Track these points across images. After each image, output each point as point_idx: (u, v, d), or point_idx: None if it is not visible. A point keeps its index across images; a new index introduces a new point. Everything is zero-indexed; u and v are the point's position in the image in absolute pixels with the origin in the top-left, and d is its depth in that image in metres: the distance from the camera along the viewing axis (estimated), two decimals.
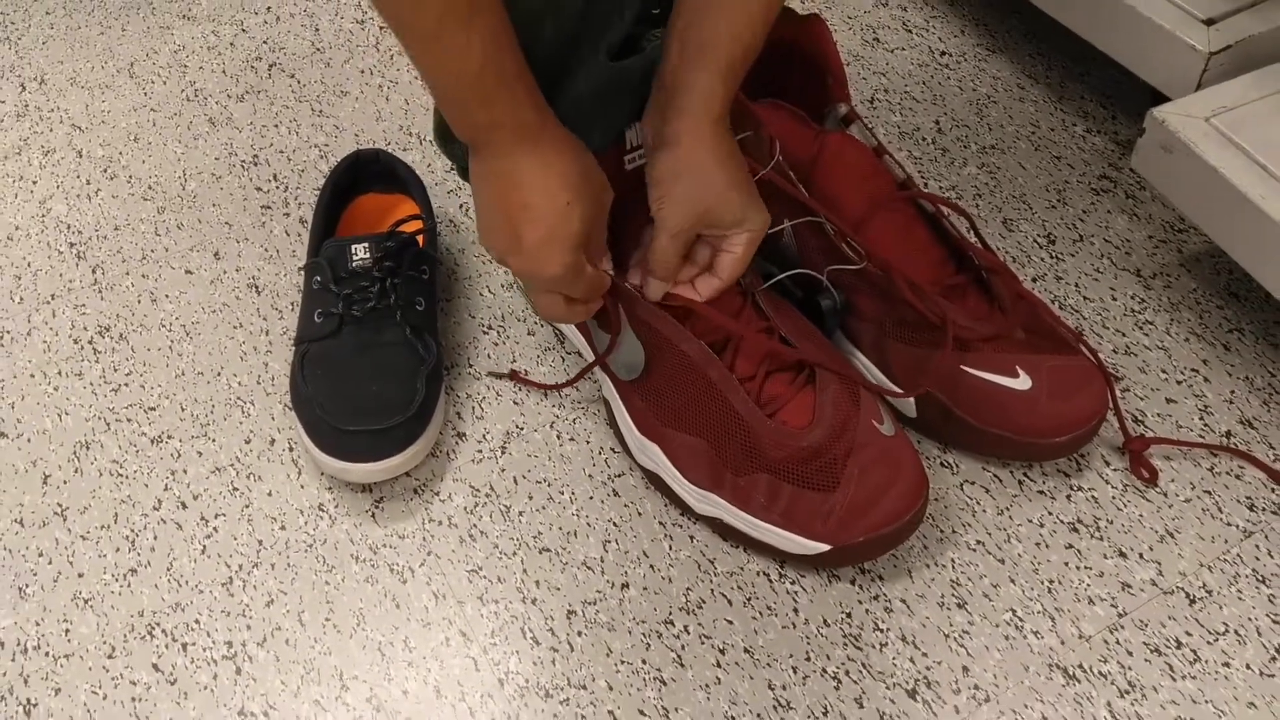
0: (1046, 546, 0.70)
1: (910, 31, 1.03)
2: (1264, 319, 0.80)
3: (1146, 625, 0.66)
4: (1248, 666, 0.64)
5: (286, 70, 1.06)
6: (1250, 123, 0.74)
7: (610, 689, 0.65)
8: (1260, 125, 0.74)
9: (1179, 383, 0.77)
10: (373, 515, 0.73)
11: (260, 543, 0.72)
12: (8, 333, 0.85)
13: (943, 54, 1.01)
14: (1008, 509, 0.71)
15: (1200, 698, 0.63)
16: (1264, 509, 0.71)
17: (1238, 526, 0.70)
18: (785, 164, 0.73)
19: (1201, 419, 0.75)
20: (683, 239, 0.66)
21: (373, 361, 0.73)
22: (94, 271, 0.89)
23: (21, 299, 0.88)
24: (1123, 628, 0.66)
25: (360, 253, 0.75)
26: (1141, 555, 0.69)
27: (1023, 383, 0.69)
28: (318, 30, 1.10)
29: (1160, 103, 0.77)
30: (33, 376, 0.82)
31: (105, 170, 0.97)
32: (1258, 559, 0.68)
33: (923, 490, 0.66)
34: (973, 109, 0.95)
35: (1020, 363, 0.70)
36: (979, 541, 0.70)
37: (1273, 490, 0.71)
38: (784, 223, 0.74)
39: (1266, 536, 0.69)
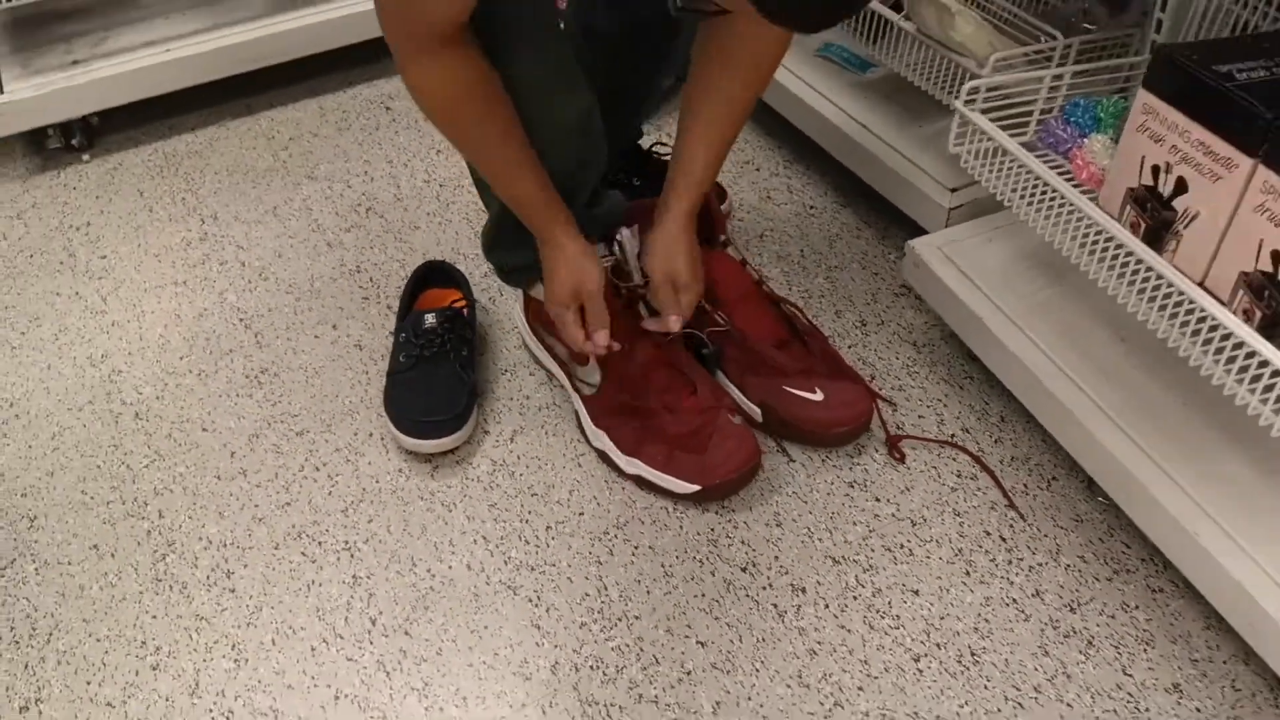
0: (832, 494, 1.16)
1: (791, 192, 1.55)
2: (985, 370, 1.27)
3: (885, 536, 1.12)
4: (941, 559, 1.10)
5: (377, 212, 1.58)
6: (964, 250, 1.24)
7: (569, 566, 1.11)
8: (969, 253, 1.23)
9: (928, 407, 1.25)
10: (431, 475, 1.21)
11: (364, 489, 1.20)
12: (204, 370, 1.35)
13: (810, 207, 1.52)
14: (812, 474, 1.19)
15: (911, 575, 1.09)
16: (967, 477, 1.17)
17: (948, 485, 1.17)
18: None
19: (938, 427, 1.22)
20: (663, 282, 1.14)
21: (435, 383, 1.22)
22: (256, 336, 1.39)
23: (211, 351, 1.38)
24: (871, 537, 1.12)
25: (430, 320, 1.25)
26: (889, 500, 1.16)
27: (818, 396, 1.17)
28: (399, 186, 1.63)
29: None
30: (221, 397, 1.32)
31: (260, 274, 1.49)
32: (957, 503, 1.15)
33: (756, 456, 1.14)
34: (825, 242, 1.46)
35: (818, 384, 1.18)
36: (793, 491, 1.17)
37: (974, 469, 1.18)
38: None
39: (966, 493, 1.16)
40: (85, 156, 1.72)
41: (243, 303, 1.44)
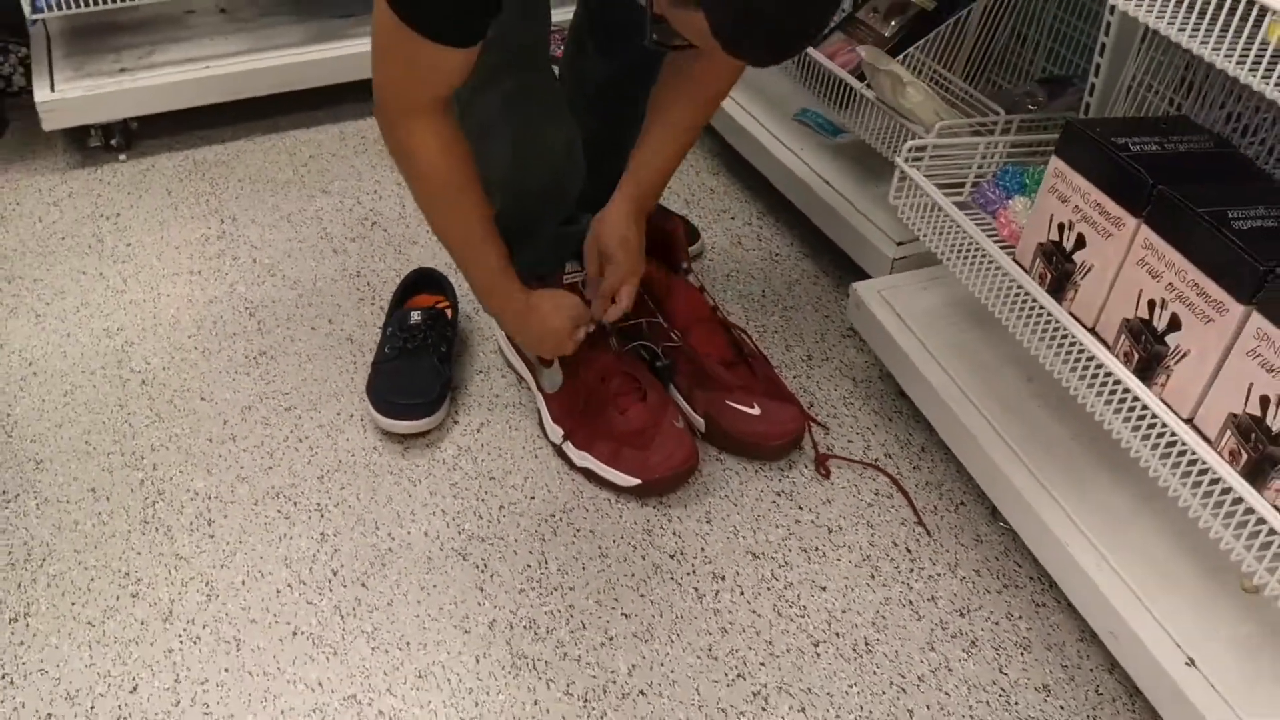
0: (761, 500, 1.28)
1: (760, 239, 1.69)
2: (913, 406, 1.40)
3: (803, 539, 1.24)
4: (850, 562, 1.22)
5: (382, 226, 1.73)
6: (901, 295, 1.37)
7: (516, 541, 1.23)
8: (905, 297, 1.37)
9: (858, 434, 1.37)
10: (401, 454, 1.33)
11: (340, 461, 1.32)
12: (209, 349, 1.48)
13: (776, 254, 1.66)
14: (745, 482, 1.31)
15: (821, 574, 1.20)
16: (884, 496, 1.29)
17: (865, 501, 1.29)
18: (646, 297, 1.37)
19: (864, 451, 1.35)
20: (598, 254, 1.27)
21: (415, 373, 1.35)
22: (259, 323, 1.53)
23: (216, 333, 1.51)
24: (790, 539, 1.24)
25: (416, 316, 1.39)
26: (810, 509, 1.27)
27: (756, 411, 1.30)
28: (404, 205, 1.77)
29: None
30: (221, 372, 1.45)
31: (269, 270, 1.63)
32: (872, 516, 1.27)
33: (693, 458, 1.26)
34: (785, 285, 1.60)
35: (757, 401, 1.31)
36: (725, 495, 1.29)
37: (891, 490, 1.30)
38: (643, 320, 1.38)
39: (880, 509, 1.28)
40: (122, 156, 1.87)
41: (250, 294, 1.58)
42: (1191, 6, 0.90)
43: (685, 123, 1.23)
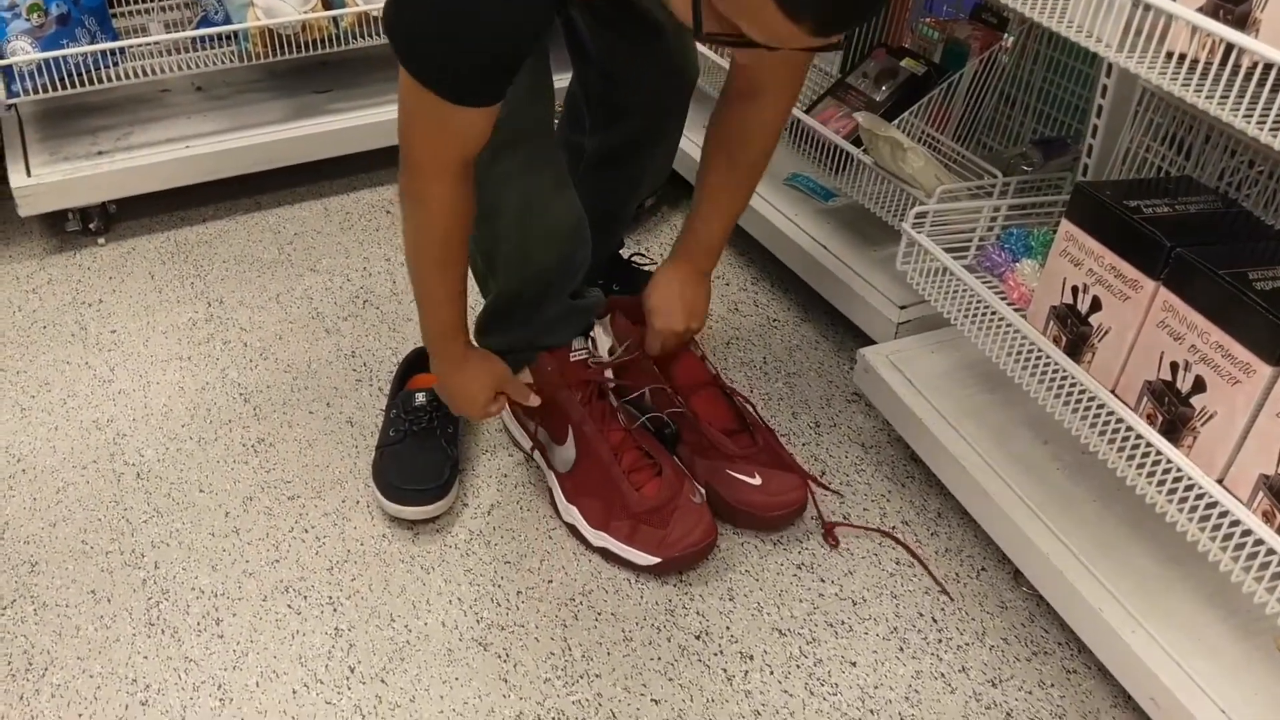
0: (782, 574, 1.27)
1: (758, 305, 1.69)
2: (925, 470, 1.39)
3: (828, 613, 1.22)
4: (878, 635, 1.20)
5: (374, 304, 1.70)
6: (909, 360, 1.37)
7: (536, 628, 1.20)
8: (914, 362, 1.36)
9: (873, 501, 1.36)
10: (412, 540, 1.30)
11: (349, 551, 1.29)
12: (204, 438, 1.45)
13: (774, 319, 1.66)
14: (764, 556, 1.29)
15: (850, 648, 1.19)
16: (905, 564, 1.28)
17: (887, 571, 1.27)
18: (650, 364, 1.36)
19: (880, 519, 1.34)
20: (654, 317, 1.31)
21: (421, 456, 1.33)
22: (255, 409, 1.50)
23: (211, 421, 1.48)
24: (815, 613, 1.22)
25: (420, 398, 1.36)
26: (833, 581, 1.26)
27: (757, 481, 1.29)
28: (395, 281, 1.75)
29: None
30: (218, 462, 1.41)
31: (261, 354, 1.60)
32: (895, 587, 1.25)
33: (713, 534, 1.24)
34: (786, 351, 1.59)
35: (758, 470, 1.30)
36: (746, 570, 1.27)
37: (912, 560, 1.29)
38: (646, 388, 1.36)
39: (903, 578, 1.26)
40: (101, 240, 1.84)
41: (243, 379, 1.55)
42: (1194, 66, 0.91)
43: (736, 184, 1.29)
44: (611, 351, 1.37)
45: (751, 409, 1.39)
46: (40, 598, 1.23)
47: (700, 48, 1.56)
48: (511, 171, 1.18)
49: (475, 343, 1.35)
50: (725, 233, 1.32)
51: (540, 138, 1.21)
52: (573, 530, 1.30)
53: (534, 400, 1.29)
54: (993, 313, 1.18)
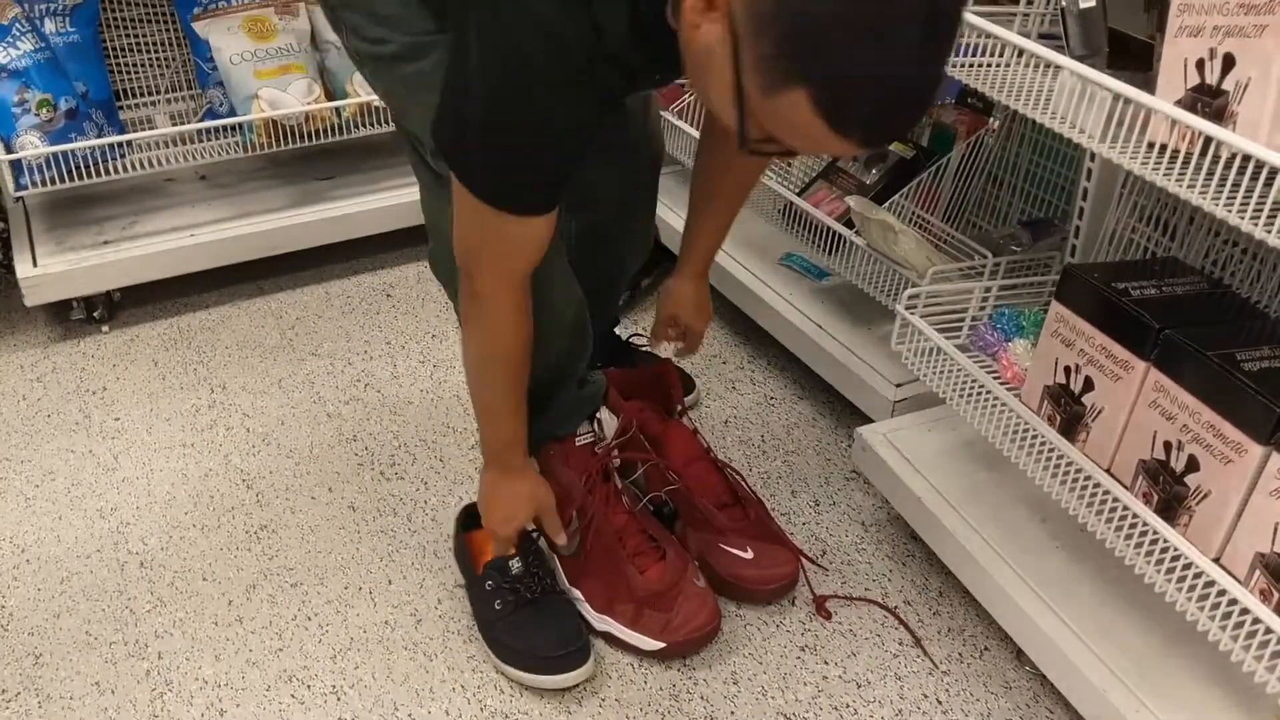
0: (785, 656, 1.27)
1: (754, 384, 1.71)
2: (926, 549, 1.40)
3: (833, 695, 1.22)
4: (884, 718, 1.20)
5: (375, 387, 1.72)
6: (907, 438, 1.38)
7: (540, 715, 1.20)
8: (911, 440, 1.38)
9: (874, 580, 1.37)
10: (415, 627, 1.31)
11: (352, 639, 1.29)
12: (207, 525, 1.45)
13: (771, 397, 1.68)
14: (767, 638, 1.29)
15: None
16: (908, 645, 1.28)
17: (890, 652, 1.27)
18: (643, 439, 1.37)
19: (882, 599, 1.34)
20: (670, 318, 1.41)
21: (552, 618, 1.25)
22: (257, 495, 1.51)
23: (214, 508, 1.49)
24: (820, 696, 1.22)
25: (516, 566, 1.28)
26: (836, 663, 1.26)
27: (749, 554, 1.31)
28: (395, 365, 1.77)
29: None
30: (221, 549, 1.42)
31: (263, 440, 1.61)
32: (899, 668, 1.25)
33: (716, 618, 1.25)
34: (783, 429, 1.61)
35: (750, 544, 1.31)
36: (749, 652, 1.27)
37: (915, 641, 1.29)
38: (639, 467, 1.38)
39: (906, 659, 1.27)
40: (105, 328, 1.86)
41: (246, 465, 1.56)
42: (1175, 156, 0.94)
43: (729, 194, 1.33)
44: (622, 432, 1.38)
45: (743, 482, 1.40)
46: (45, 690, 1.23)
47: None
48: None
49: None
50: (721, 239, 1.40)
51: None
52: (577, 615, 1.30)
53: (562, 539, 1.28)
54: (987, 392, 1.20)
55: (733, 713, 1.20)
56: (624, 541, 1.29)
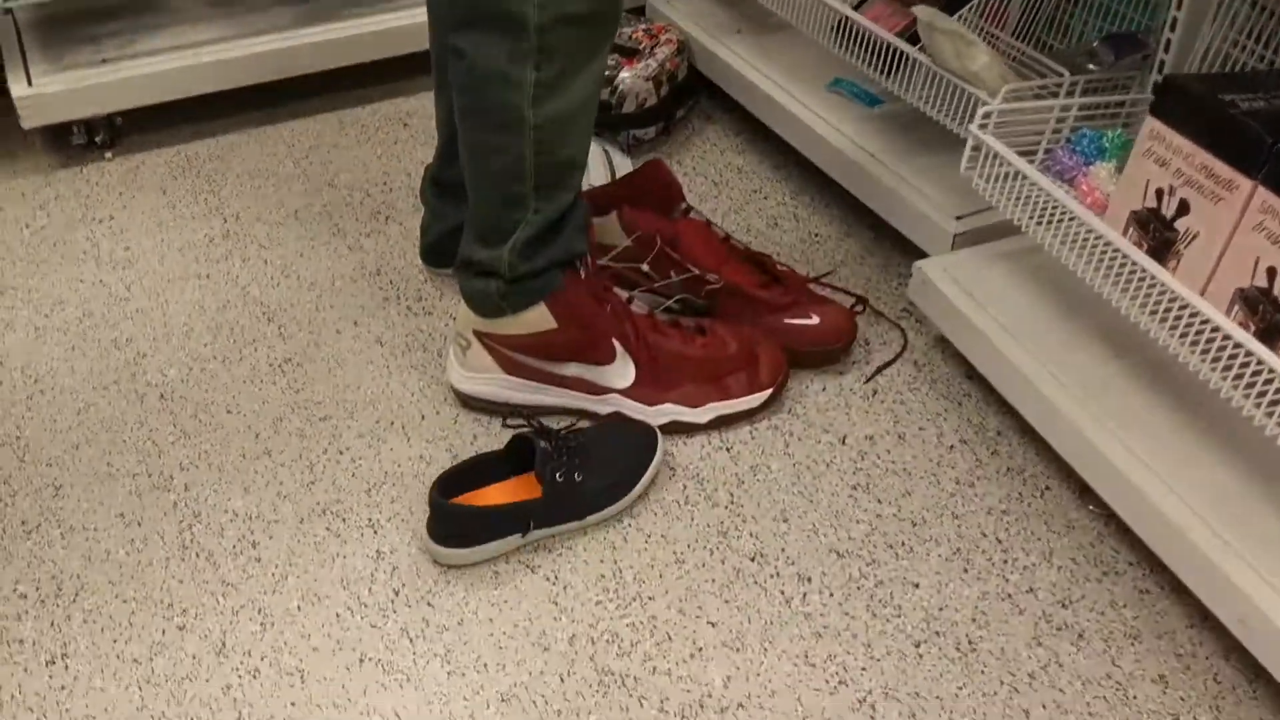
0: (837, 495, 1.22)
1: (797, 220, 1.62)
2: (984, 390, 1.33)
3: (887, 534, 1.18)
4: (940, 556, 1.15)
5: (396, 220, 1.63)
6: (968, 272, 1.31)
7: (585, 550, 1.15)
8: (973, 274, 1.30)
9: (928, 420, 1.31)
10: (451, 460, 1.25)
11: (386, 473, 1.24)
12: (229, 358, 1.39)
13: (815, 234, 1.59)
14: (817, 477, 1.24)
15: (912, 570, 1.14)
16: (965, 484, 1.23)
17: (947, 491, 1.22)
18: (664, 246, 1.32)
19: (937, 439, 1.29)
20: None
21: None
22: (279, 328, 1.43)
23: (234, 340, 1.42)
24: (874, 535, 1.17)
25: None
26: (890, 502, 1.21)
27: (815, 320, 1.31)
28: (416, 199, 1.68)
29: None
30: (245, 383, 1.35)
31: (283, 271, 1.53)
32: (955, 507, 1.21)
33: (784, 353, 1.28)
34: (829, 267, 1.53)
35: (811, 311, 1.30)
36: (799, 491, 1.22)
37: (972, 478, 1.24)
38: (674, 278, 1.32)
39: (964, 499, 1.22)
40: (108, 155, 1.76)
41: (265, 297, 1.48)
42: None
43: None
44: (645, 248, 1.32)
45: (771, 260, 1.38)
46: (67, 521, 1.18)
47: None
48: (600, 67, 1.13)
49: (511, 272, 1.19)
50: None
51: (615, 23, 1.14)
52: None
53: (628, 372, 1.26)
54: (1071, 217, 1.12)
55: (783, 549, 1.16)
56: (670, 337, 1.26)
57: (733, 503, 1.21)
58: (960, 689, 1.03)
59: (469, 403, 1.29)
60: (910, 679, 1.04)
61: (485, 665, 1.05)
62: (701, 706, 1.02)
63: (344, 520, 1.19)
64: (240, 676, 1.04)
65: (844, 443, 1.28)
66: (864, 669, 1.05)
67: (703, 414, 1.25)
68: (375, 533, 1.17)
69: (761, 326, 1.31)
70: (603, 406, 1.26)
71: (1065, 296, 1.27)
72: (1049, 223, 1.16)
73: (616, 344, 1.23)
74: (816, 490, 1.23)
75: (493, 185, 1.16)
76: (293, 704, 1.02)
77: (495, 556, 1.14)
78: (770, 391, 1.27)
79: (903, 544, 1.17)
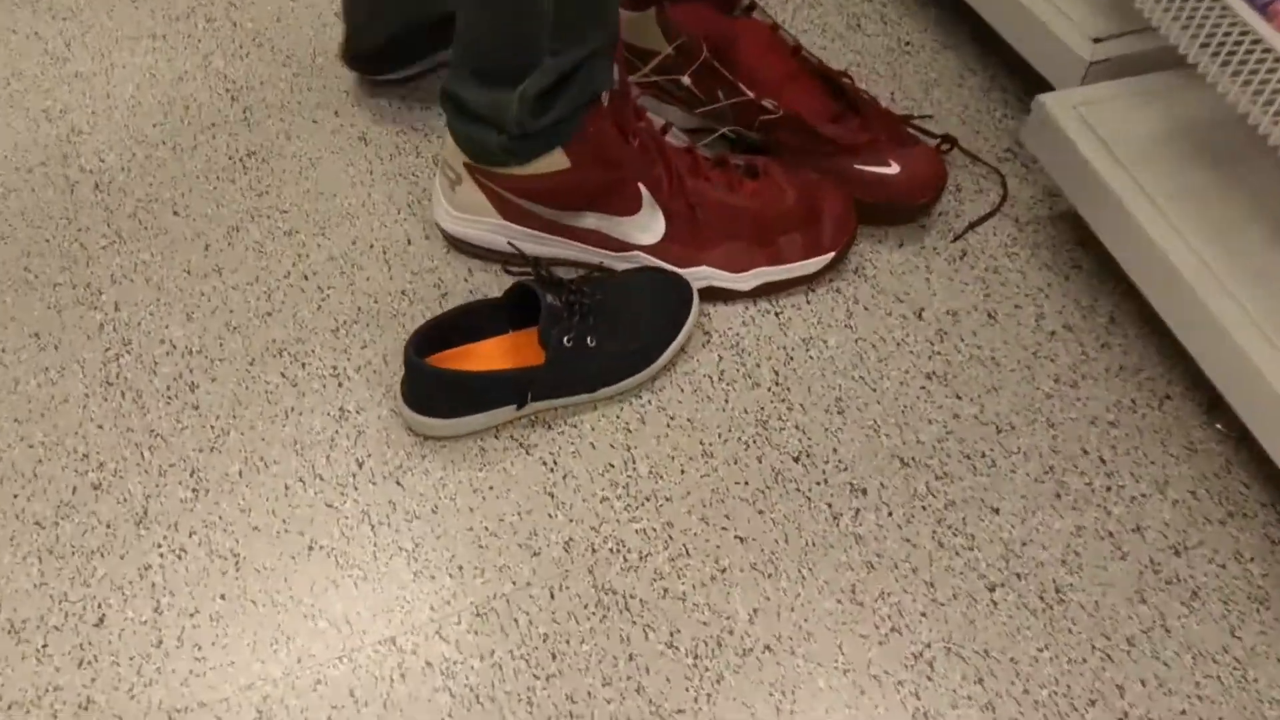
0: (906, 384, 0.99)
1: (885, 23, 1.32)
2: (1098, 263, 1.09)
3: (964, 441, 0.96)
4: (1028, 475, 0.94)
5: None
6: (1105, 114, 1.03)
7: (592, 430, 0.94)
8: (1111, 117, 1.03)
9: (1026, 296, 1.07)
10: (440, 300, 1.02)
11: (359, 309, 1.02)
12: (180, 145, 1.14)
13: (906, 43, 1.30)
14: (884, 358, 1.01)
15: (991, 490, 0.93)
16: (1066, 383, 1.00)
17: (1043, 390, 1.00)
18: (710, 54, 1.05)
19: (1036, 321, 1.05)
20: None
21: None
22: (244, 111, 1.18)
23: (189, 123, 1.17)
24: (948, 440, 0.96)
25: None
26: (972, 399, 0.99)
27: (894, 169, 1.05)
28: None
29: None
30: (198, 178, 1.11)
31: (254, 39, 1.26)
32: (1052, 412, 0.98)
33: (851, 201, 1.04)
34: (921, 88, 1.25)
35: (890, 157, 1.05)
36: (860, 375, 1.00)
37: (1074, 375, 1.01)
38: (722, 103, 1.06)
39: (1063, 401, 0.99)
40: None
41: (231, 70, 1.22)
42: None
43: None
44: (688, 57, 1.05)
45: (851, 82, 1.10)
46: None
47: None
48: None
49: (520, 128, 0.92)
50: None
51: None
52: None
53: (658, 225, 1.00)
54: (1264, 51, 0.84)
55: (835, 450, 0.94)
56: (710, 180, 1.00)
57: (778, 384, 0.99)
58: (1041, 651, 0.84)
59: (458, 246, 1.05)
60: (980, 632, 0.85)
61: (460, 568, 0.86)
62: (719, 645, 0.83)
63: (303, 366, 0.97)
64: (162, 555, 0.86)
65: (920, 317, 1.04)
66: (924, 614, 0.85)
67: (746, 280, 1.01)
68: (340, 385, 0.96)
69: (827, 171, 1.05)
70: (623, 263, 1.02)
71: (1230, 159, 1.00)
72: (1228, 57, 0.88)
73: (643, 189, 0.97)
74: (882, 376, 1.00)
75: (494, 12, 0.88)
76: (222, 597, 0.84)
77: (483, 430, 0.93)
78: (832, 256, 1.03)
79: (983, 455, 0.95)
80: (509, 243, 1.01)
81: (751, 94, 1.06)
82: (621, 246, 1.00)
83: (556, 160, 0.94)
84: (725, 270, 1.00)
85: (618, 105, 0.94)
